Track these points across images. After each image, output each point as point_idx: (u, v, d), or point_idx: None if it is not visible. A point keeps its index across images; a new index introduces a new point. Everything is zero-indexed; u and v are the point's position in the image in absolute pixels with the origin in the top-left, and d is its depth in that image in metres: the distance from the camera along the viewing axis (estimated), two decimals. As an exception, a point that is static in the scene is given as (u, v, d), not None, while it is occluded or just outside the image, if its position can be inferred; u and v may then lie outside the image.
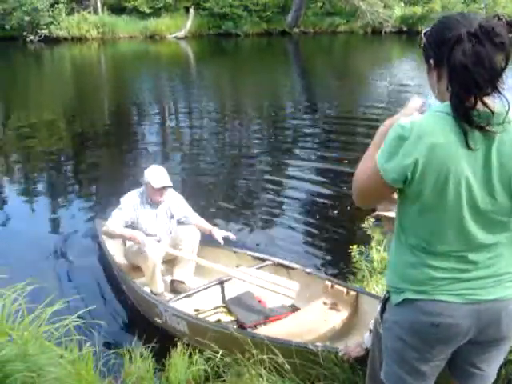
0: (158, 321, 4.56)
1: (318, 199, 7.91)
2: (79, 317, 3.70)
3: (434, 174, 1.87)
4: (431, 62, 1.98)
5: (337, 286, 4.41)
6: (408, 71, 20.21)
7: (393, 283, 2.12)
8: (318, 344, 3.51)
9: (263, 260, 5.08)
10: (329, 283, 4.46)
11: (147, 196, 5.26)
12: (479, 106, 1.85)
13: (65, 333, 3.52)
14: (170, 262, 5.41)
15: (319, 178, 8.80)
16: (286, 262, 4.98)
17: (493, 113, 1.85)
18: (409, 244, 2.04)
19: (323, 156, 10.02)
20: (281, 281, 4.66)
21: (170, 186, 5.23)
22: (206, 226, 5.43)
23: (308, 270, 4.83)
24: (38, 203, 8.01)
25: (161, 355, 3.90)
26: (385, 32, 32.35)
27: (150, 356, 3.71)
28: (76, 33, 31.66)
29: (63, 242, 6.48)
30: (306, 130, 12.23)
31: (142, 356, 3.67)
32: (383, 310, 2.20)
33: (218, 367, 3.59)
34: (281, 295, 4.55)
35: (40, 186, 8.91)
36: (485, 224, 1.96)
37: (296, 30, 33.63)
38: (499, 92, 1.86)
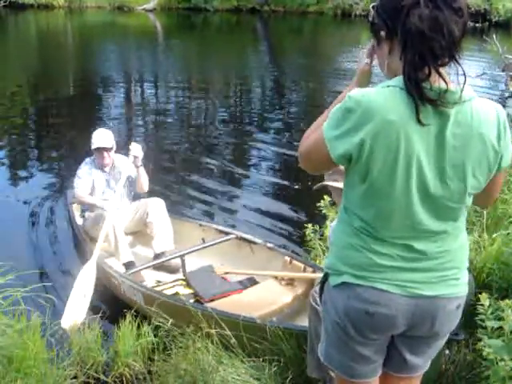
0: (117, 292, 4.57)
1: (279, 176, 7.98)
2: (33, 288, 3.68)
3: (383, 153, 1.73)
4: (382, 33, 1.82)
5: (295, 262, 4.50)
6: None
7: (332, 265, 1.99)
8: (266, 319, 3.58)
9: (227, 233, 5.10)
10: (288, 258, 4.55)
11: (97, 161, 5.26)
12: (433, 78, 1.70)
13: (15, 303, 3.50)
14: (139, 233, 5.37)
15: (282, 156, 8.86)
16: (249, 237, 5.01)
17: (447, 89, 1.71)
18: (353, 226, 1.91)
19: (288, 133, 10.10)
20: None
21: (109, 148, 5.19)
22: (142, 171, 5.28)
23: (269, 244, 4.87)
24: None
25: (111, 326, 3.92)
26: (355, 15, 32.32)
27: (99, 327, 3.72)
28: (43, 0, 30.96)
29: (25, 213, 6.40)
30: (273, 107, 12.33)
31: (89, 327, 3.67)
32: (322, 290, 2.08)
33: (166, 339, 3.61)
34: (242, 270, 4.64)
35: (2, 156, 8.72)
36: (434, 210, 1.84)
37: (266, 7, 33.42)
38: (457, 62, 1.73)
